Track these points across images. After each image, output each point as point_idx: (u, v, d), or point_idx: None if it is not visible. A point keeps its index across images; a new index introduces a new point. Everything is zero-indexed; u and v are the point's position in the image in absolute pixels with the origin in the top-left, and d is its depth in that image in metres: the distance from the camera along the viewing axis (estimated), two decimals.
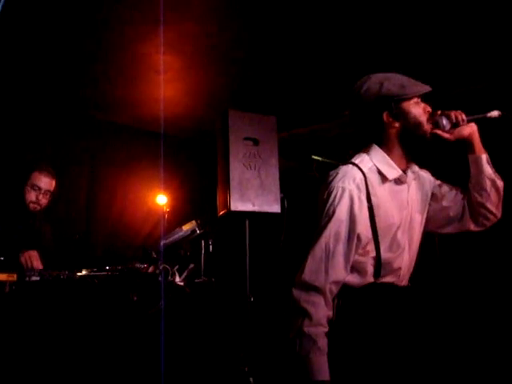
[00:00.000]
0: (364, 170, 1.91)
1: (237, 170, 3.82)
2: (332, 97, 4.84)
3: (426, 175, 2.11)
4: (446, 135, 1.93)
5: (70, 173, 5.42)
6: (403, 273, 1.96)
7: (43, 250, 3.22)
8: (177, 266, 3.54)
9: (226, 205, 3.81)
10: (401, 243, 1.93)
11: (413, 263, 2.03)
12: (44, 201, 3.54)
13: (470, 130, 1.95)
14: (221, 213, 3.92)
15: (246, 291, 3.79)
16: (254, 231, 3.99)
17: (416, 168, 2.04)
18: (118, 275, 2.93)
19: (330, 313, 1.79)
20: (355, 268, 1.87)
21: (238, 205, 3.77)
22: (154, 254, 3.80)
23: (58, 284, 2.65)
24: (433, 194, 2.09)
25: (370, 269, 1.89)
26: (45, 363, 2.44)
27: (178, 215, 5.49)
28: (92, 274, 2.93)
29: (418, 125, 1.92)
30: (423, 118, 1.93)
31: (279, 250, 3.82)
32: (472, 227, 2.06)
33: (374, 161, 1.95)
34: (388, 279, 1.91)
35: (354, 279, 1.87)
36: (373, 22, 3.93)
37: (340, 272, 1.81)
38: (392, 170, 1.94)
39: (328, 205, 1.86)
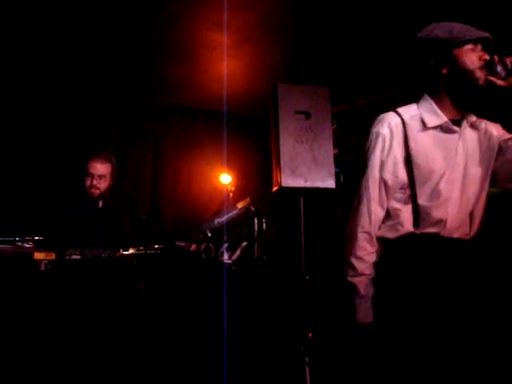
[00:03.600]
0: (404, 116, 1.93)
1: (287, 145, 3.68)
2: (392, 66, 4.57)
3: (494, 128, 2.03)
4: (500, 82, 1.82)
5: (135, 155, 5.55)
6: (450, 224, 1.89)
7: (108, 231, 3.47)
8: (226, 245, 3.49)
9: (278, 181, 3.72)
10: (443, 193, 1.88)
11: (469, 220, 1.94)
12: (102, 185, 3.70)
13: None
14: (274, 189, 3.84)
15: (301, 269, 3.69)
16: (310, 208, 3.87)
17: (473, 118, 1.97)
18: (161, 254, 2.93)
19: (375, 256, 1.94)
20: (392, 216, 1.92)
21: (289, 181, 3.64)
22: (208, 232, 3.79)
23: (98, 263, 2.68)
24: (499, 147, 1.99)
25: (408, 218, 1.89)
26: (82, 342, 2.48)
27: (243, 193, 5.45)
28: (137, 252, 2.95)
29: (467, 71, 1.85)
30: (475, 65, 1.85)
31: (335, 227, 3.68)
32: None
33: (421, 109, 1.95)
34: (429, 230, 1.88)
35: (391, 230, 1.92)
36: None
37: (378, 213, 1.92)
38: (434, 118, 1.92)
39: (365, 151, 1.98)
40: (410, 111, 1.97)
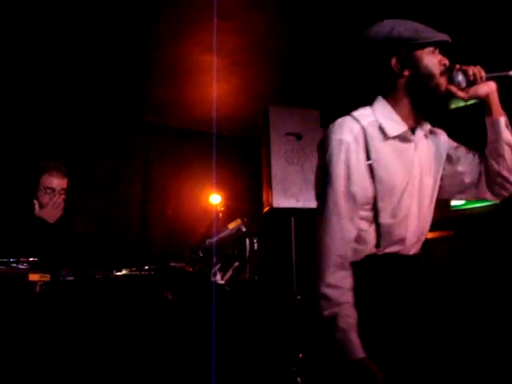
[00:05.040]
0: (363, 123, 1.72)
1: (279, 166, 3.76)
2: None
3: (441, 135, 1.90)
4: (461, 93, 1.71)
5: (125, 176, 5.56)
6: (410, 242, 1.75)
7: (73, 249, 3.19)
8: (218, 265, 3.51)
9: (269, 202, 3.76)
10: (403, 209, 1.72)
11: (424, 232, 1.83)
12: (60, 201, 3.25)
13: (488, 88, 1.72)
14: (265, 210, 3.88)
15: (292, 289, 3.72)
16: (301, 228, 3.90)
17: (428, 126, 1.83)
18: (154, 275, 2.94)
19: (351, 281, 1.67)
20: (358, 238, 1.70)
21: (280, 201, 3.71)
22: (200, 253, 3.79)
23: (92, 284, 2.68)
24: (448, 157, 1.87)
25: (372, 238, 1.71)
26: (74, 362, 2.48)
27: (233, 214, 5.48)
28: (130, 273, 2.96)
29: (429, 75, 1.70)
30: (437, 70, 1.71)
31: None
32: (488, 196, 1.84)
33: (377, 115, 1.75)
34: (390, 249, 1.72)
35: (355, 252, 1.70)
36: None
37: (351, 232, 1.68)
38: (395, 126, 1.73)
39: (326, 161, 1.71)
40: (366, 117, 1.75)
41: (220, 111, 5.30)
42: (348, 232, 1.67)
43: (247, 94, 5.23)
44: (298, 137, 3.86)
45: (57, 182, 3.27)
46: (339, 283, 1.64)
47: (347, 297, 1.64)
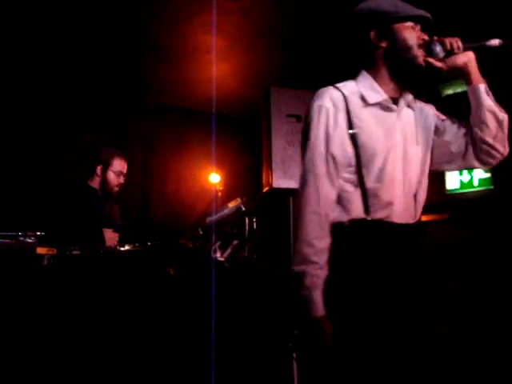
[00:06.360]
0: (345, 92, 1.80)
1: (279, 147, 3.82)
2: None
3: (429, 109, 1.98)
4: (439, 64, 1.79)
5: (125, 154, 5.58)
6: (397, 209, 1.78)
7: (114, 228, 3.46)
8: (219, 243, 3.59)
9: (269, 182, 3.83)
10: (388, 174, 1.77)
11: (414, 202, 1.86)
12: (123, 182, 3.72)
13: (466, 58, 1.80)
14: (265, 190, 3.95)
15: (289, 268, 3.80)
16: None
17: (410, 97, 1.89)
18: (157, 250, 3.02)
19: (327, 241, 1.71)
20: (342, 199, 1.77)
21: (280, 182, 3.78)
22: (200, 230, 3.86)
23: (97, 258, 2.76)
24: (436, 128, 1.94)
25: (358, 202, 1.75)
26: (79, 336, 2.55)
27: (232, 193, 5.54)
28: (134, 249, 3.03)
29: (406, 47, 1.79)
30: (413, 42, 1.79)
31: None
32: (476, 165, 1.92)
33: (359, 86, 1.84)
34: (379, 215, 1.76)
35: (342, 214, 1.76)
36: None
37: (329, 192, 1.74)
38: (374, 94, 1.82)
39: (306, 126, 1.82)
40: (349, 87, 1.83)
41: (220, 91, 5.32)
42: (325, 191, 1.73)
43: (248, 74, 5.26)
44: (298, 118, 3.91)
45: (125, 166, 3.70)
46: (314, 242, 1.67)
47: (319, 257, 1.67)
